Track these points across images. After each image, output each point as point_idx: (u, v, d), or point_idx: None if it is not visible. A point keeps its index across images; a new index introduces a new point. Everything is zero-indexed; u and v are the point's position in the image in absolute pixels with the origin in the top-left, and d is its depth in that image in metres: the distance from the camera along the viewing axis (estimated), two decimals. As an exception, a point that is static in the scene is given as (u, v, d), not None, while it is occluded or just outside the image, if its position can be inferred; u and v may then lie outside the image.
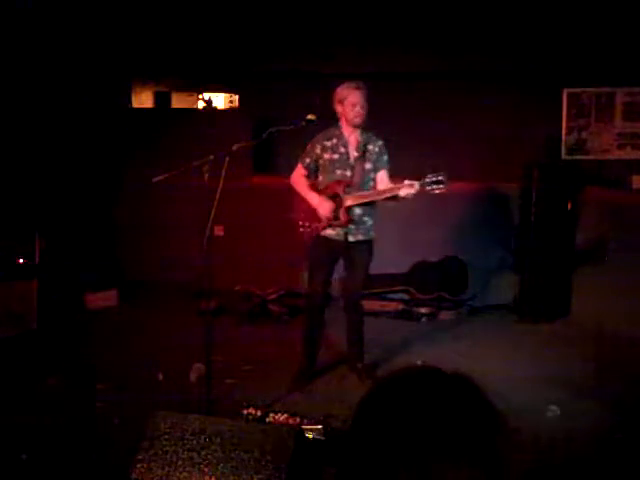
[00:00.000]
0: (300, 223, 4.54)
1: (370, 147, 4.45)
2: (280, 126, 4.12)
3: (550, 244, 6.25)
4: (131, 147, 7.35)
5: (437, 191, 4.08)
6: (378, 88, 6.84)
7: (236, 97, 7.59)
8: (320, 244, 4.49)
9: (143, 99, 7.93)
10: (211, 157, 3.75)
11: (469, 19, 6.61)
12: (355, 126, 4.40)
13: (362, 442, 1.02)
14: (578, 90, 6.91)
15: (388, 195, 4.28)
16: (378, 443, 1.00)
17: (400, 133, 6.79)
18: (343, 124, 4.43)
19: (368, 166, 4.43)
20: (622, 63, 6.52)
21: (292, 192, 4.63)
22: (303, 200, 4.52)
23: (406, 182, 4.12)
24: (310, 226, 4.48)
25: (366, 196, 4.36)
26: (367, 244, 4.52)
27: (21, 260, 5.59)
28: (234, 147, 3.87)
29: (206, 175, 3.71)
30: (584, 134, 6.93)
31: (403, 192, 4.13)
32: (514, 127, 6.76)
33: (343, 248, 4.44)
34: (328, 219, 4.39)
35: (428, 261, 6.74)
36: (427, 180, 4.08)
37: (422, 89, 6.94)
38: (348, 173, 4.41)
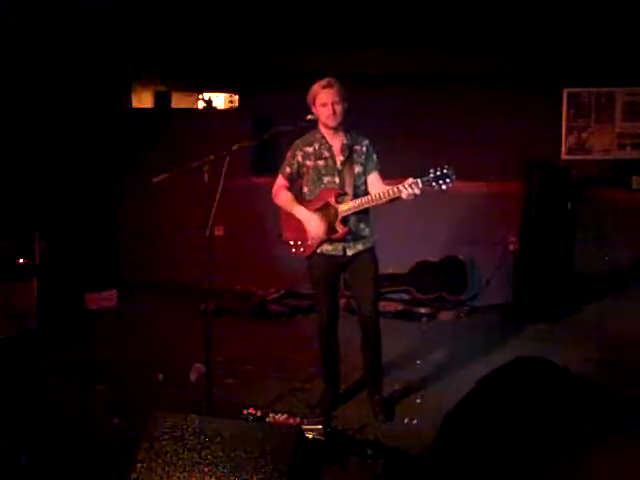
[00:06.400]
0: (291, 243, 4.10)
1: (357, 148, 4.04)
2: (280, 126, 4.08)
3: (550, 244, 6.25)
4: (131, 147, 7.35)
5: (444, 187, 3.65)
6: (378, 88, 6.89)
7: (236, 97, 7.60)
8: (318, 263, 4.07)
9: (143, 99, 7.93)
10: (211, 157, 3.74)
11: (469, 19, 6.61)
12: (330, 128, 3.99)
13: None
14: (578, 90, 6.92)
15: (389, 198, 3.82)
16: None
17: (400, 133, 6.81)
18: (322, 127, 4.03)
19: (357, 169, 4.01)
20: (622, 63, 6.52)
21: (277, 207, 4.16)
22: (289, 215, 4.10)
23: (408, 181, 3.73)
24: (303, 244, 4.06)
25: (364, 202, 3.90)
26: (369, 253, 4.08)
27: (21, 260, 5.59)
28: (234, 147, 3.85)
29: (206, 175, 3.70)
30: (584, 134, 6.93)
31: (405, 193, 3.72)
32: (514, 127, 6.76)
33: (343, 264, 4.07)
34: (319, 236, 3.99)
35: (428, 261, 6.74)
36: (431, 176, 3.67)
37: (422, 89, 6.94)
38: (337, 180, 4.00)
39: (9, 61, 6.28)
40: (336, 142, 4.04)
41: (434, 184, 3.67)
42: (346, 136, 4.06)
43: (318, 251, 4.05)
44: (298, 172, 4.11)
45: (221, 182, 3.68)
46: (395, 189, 3.80)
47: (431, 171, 3.69)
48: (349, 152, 4.03)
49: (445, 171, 3.67)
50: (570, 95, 6.94)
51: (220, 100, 7.55)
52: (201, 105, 7.57)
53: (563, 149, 6.98)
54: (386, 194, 3.84)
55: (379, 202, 3.89)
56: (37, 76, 6.61)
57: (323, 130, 4.05)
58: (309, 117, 4.02)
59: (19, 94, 6.44)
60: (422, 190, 3.71)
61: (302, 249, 4.07)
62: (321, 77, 4.02)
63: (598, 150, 6.91)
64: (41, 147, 6.64)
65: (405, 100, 6.90)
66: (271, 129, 4.04)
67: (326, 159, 4.03)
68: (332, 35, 6.83)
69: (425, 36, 6.70)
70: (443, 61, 6.80)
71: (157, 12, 6.92)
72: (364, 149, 4.06)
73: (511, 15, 6.49)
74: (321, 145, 4.04)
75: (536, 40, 6.56)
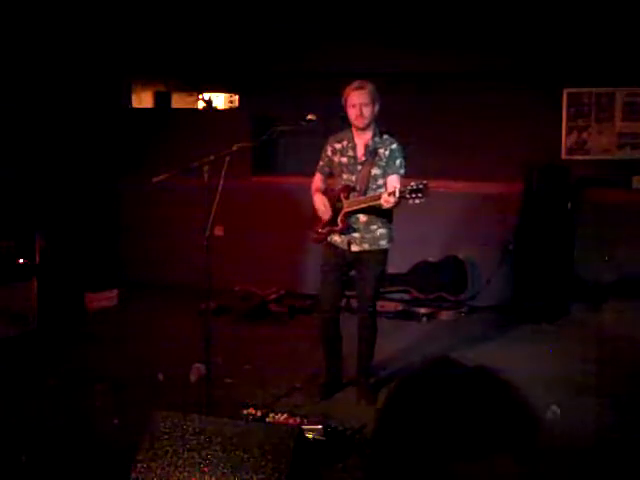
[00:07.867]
0: (314, 229, 4.34)
1: (381, 151, 4.16)
2: (281, 126, 4.11)
3: (550, 244, 6.24)
4: (131, 147, 7.35)
5: (417, 201, 3.75)
6: (377, 87, 6.88)
7: (236, 97, 7.61)
8: (327, 251, 4.31)
9: (143, 99, 7.93)
10: (211, 157, 3.75)
11: (469, 19, 6.61)
12: (359, 128, 4.16)
13: (389, 441, 1.00)
14: (578, 90, 6.92)
15: (372, 202, 4.01)
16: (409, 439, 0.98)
17: (400, 133, 6.80)
18: (353, 126, 4.21)
19: (375, 171, 4.15)
20: (622, 63, 6.52)
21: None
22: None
23: (389, 189, 3.92)
24: (315, 231, 4.30)
25: (360, 202, 4.10)
26: (375, 254, 4.24)
27: (21, 260, 5.59)
28: (234, 147, 3.86)
29: (206, 175, 3.71)
30: (584, 134, 6.93)
31: (383, 200, 3.87)
32: (514, 127, 6.76)
33: (350, 260, 4.26)
34: (326, 223, 4.22)
35: (428, 261, 6.74)
36: (408, 188, 3.77)
37: (422, 89, 6.94)
38: (353, 178, 4.18)
39: (9, 61, 6.28)
40: (361, 142, 4.22)
41: (407, 196, 3.78)
42: (373, 137, 4.21)
43: (329, 239, 4.28)
44: (329, 166, 4.33)
45: (221, 182, 3.69)
46: (377, 194, 4.00)
47: (412, 184, 3.79)
48: (372, 153, 4.17)
49: (420, 186, 3.75)
50: (570, 95, 6.94)
51: (220, 100, 7.55)
52: (201, 105, 7.57)
53: (563, 149, 6.98)
54: (371, 198, 4.05)
55: (370, 203, 4.05)
56: (37, 76, 6.61)
57: (353, 129, 4.23)
58: (309, 117, 4.07)
59: (19, 94, 6.44)
60: (398, 200, 3.81)
61: (315, 235, 4.32)
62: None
63: (598, 150, 6.91)
64: (41, 147, 6.64)
65: (404, 100, 6.89)
66: (271, 129, 4.07)
67: (349, 157, 4.22)
68: (332, 35, 6.84)
69: (425, 36, 6.71)
70: (443, 61, 6.80)
71: (157, 12, 6.93)
72: (387, 152, 4.19)
73: (511, 15, 6.50)
74: (348, 143, 4.24)
75: (536, 40, 6.57)
